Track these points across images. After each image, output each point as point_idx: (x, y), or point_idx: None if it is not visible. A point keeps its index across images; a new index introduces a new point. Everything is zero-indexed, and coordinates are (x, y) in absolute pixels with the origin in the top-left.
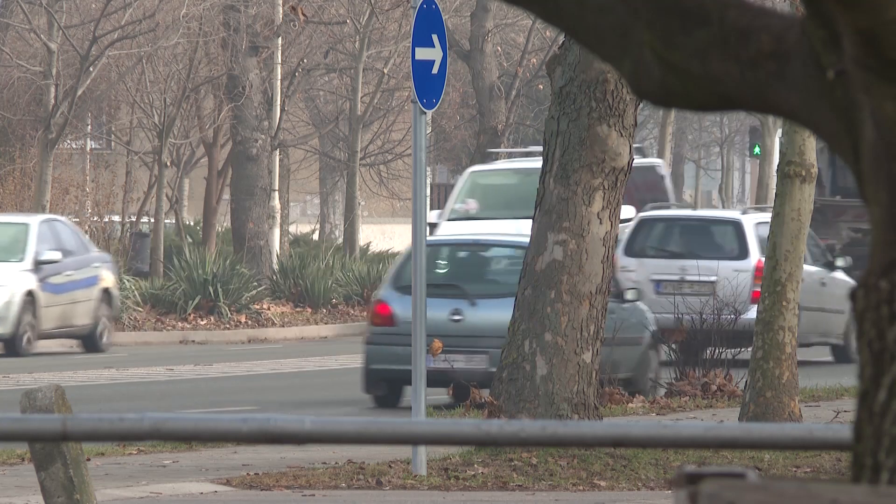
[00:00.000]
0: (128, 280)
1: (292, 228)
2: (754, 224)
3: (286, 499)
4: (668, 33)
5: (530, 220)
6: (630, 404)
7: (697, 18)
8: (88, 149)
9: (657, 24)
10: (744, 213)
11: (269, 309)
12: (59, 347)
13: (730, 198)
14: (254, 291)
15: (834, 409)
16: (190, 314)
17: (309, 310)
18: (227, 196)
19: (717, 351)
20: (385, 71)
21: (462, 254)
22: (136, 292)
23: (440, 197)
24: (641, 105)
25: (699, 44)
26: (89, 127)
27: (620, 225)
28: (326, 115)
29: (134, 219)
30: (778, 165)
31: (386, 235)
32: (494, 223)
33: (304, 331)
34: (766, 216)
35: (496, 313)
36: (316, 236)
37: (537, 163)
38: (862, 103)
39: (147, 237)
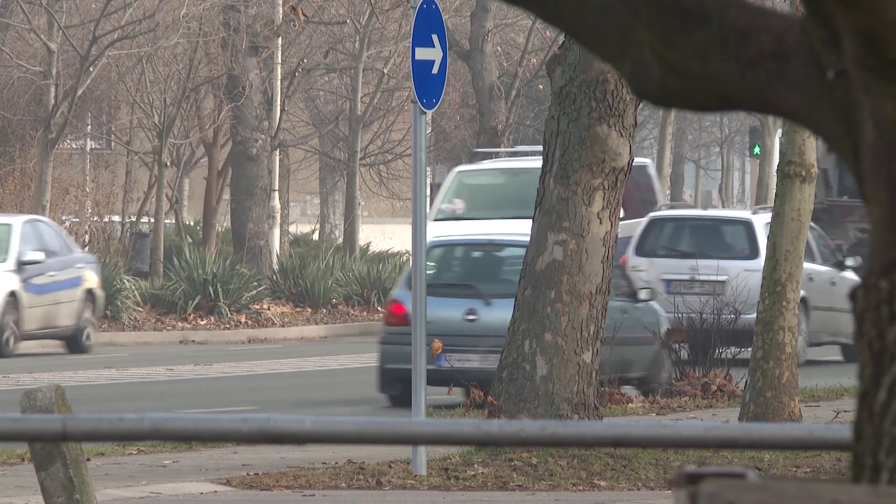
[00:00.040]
0: (128, 280)
1: (292, 228)
2: (765, 224)
3: (286, 499)
4: (668, 33)
5: (517, 220)
6: (630, 404)
7: (697, 18)
8: (88, 149)
9: (657, 24)
10: (754, 212)
11: (269, 309)
12: (42, 348)
13: (730, 198)
14: (254, 291)
15: (834, 409)
16: (190, 314)
17: (309, 310)
18: (227, 196)
19: (724, 350)
20: (385, 71)
21: (476, 254)
22: (136, 292)
23: None
24: (641, 105)
25: (699, 44)
26: (89, 127)
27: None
28: (326, 115)
29: (134, 219)
30: (778, 165)
31: (386, 235)
32: (481, 223)
33: (304, 331)
34: None
35: (511, 313)
36: (316, 236)
37: (524, 163)
38: (862, 103)
39: (147, 237)
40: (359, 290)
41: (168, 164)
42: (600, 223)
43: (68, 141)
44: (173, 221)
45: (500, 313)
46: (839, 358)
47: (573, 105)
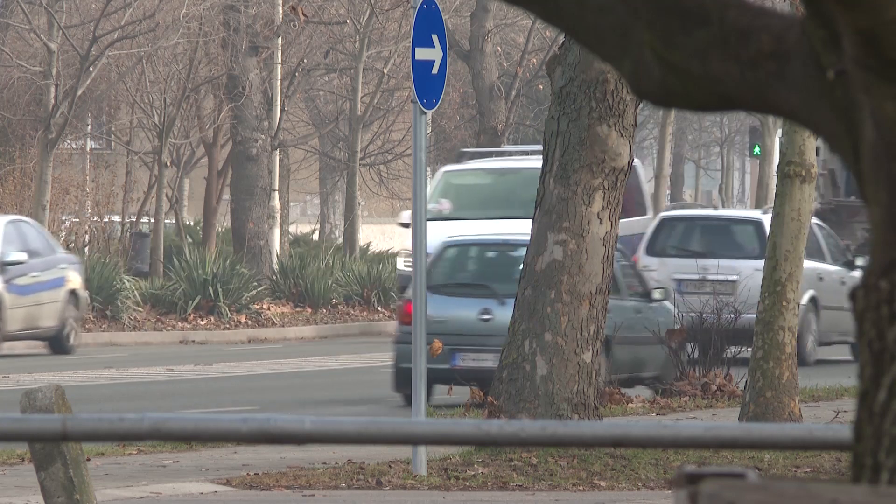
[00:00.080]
0: (128, 280)
1: (292, 228)
2: None
3: (286, 499)
4: (668, 33)
5: (504, 220)
6: (630, 404)
7: (697, 18)
8: (88, 149)
9: (657, 24)
10: (765, 212)
11: (269, 309)
12: (25, 349)
13: (730, 198)
14: (254, 291)
15: (834, 409)
16: (190, 314)
17: (309, 310)
18: (227, 196)
19: (730, 350)
20: (385, 71)
21: (491, 254)
22: (136, 292)
23: None
24: (641, 105)
25: (699, 44)
26: (89, 127)
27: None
28: (326, 115)
29: (134, 219)
30: (778, 165)
31: (386, 235)
32: (467, 223)
33: (304, 331)
34: None
35: None
36: (316, 236)
37: (511, 163)
38: (862, 103)
39: (147, 237)
40: (359, 290)
41: (168, 164)
42: (600, 223)
43: (68, 141)
44: (173, 221)
45: None
46: (849, 357)
47: (573, 105)
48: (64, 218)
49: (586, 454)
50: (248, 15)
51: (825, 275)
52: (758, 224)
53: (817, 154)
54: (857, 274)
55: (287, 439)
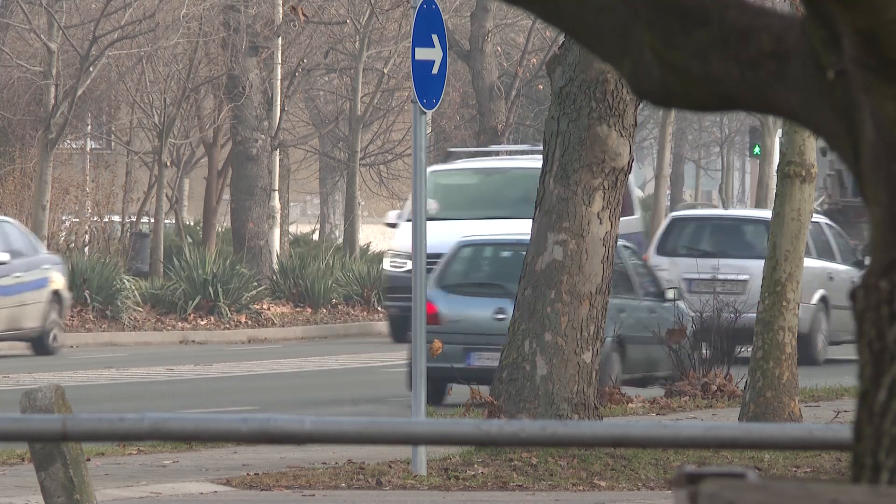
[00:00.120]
0: (128, 280)
1: (292, 228)
2: None
3: (286, 499)
4: (668, 33)
5: (490, 221)
6: (630, 404)
7: (697, 18)
8: (88, 149)
9: (657, 24)
10: None
11: (269, 309)
12: (8, 350)
13: (730, 198)
14: (254, 291)
15: (834, 409)
16: (190, 314)
17: (309, 310)
18: (227, 196)
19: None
20: (385, 71)
21: (505, 253)
22: (136, 292)
23: None
24: (641, 105)
25: (699, 44)
26: (89, 127)
27: None
28: (326, 115)
29: (134, 219)
30: (778, 165)
31: (386, 235)
32: (454, 223)
33: (304, 331)
34: None
35: None
36: (316, 236)
37: (497, 162)
38: (862, 103)
39: (147, 237)
40: (359, 290)
41: (168, 164)
42: (600, 223)
43: (68, 141)
44: (173, 221)
45: None
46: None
47: (573, 105)
48: (64, 218)
49: (586, 454)
50: (248, 15)
51: (835, 274)
52: (768, 224)
53: (825, 155)
54: None
55: (287, 439)
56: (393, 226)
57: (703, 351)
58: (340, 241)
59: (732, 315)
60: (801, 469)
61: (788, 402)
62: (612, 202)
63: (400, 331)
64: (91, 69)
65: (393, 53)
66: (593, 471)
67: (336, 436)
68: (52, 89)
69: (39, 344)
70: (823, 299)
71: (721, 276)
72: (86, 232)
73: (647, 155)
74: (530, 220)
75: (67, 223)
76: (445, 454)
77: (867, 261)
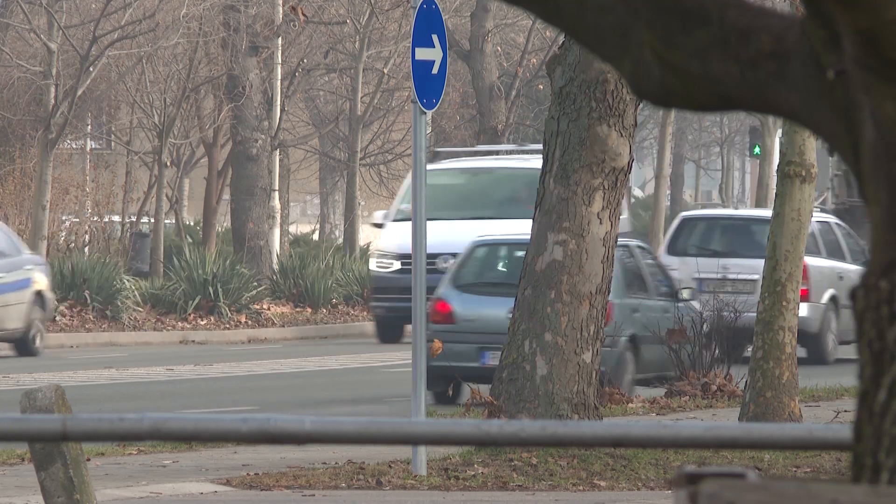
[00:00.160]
0: (128, 280)
1: (292, 228)
2: None
3: (286, 499)
4: (668, 33)
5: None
6: (630, 404)
7: (697, 18)
8: (88, 149)
9: (657, 24)
10: None
11: (269, 309)
12: None
13: (730, 198)
14: (254, 291)
15: (834, 409)
16: (190, 314)
17: (309, 310)
18: (227, 196)
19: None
20: (385, 71)
21: (520, 253)
22: (136, 292)
23: None
24: (641, 105)
25: (699, 44)
26: (89, 127)
27: None
28: (326, 115)
29: (134, 219)
30: (778, 165)
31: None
32: (441, 223)
33: (304, 331)
34: None
35: None
36: (316, 236)
37: (484, 163)
38: (862, 103)
39: (147, 237)
40: (359, 290)
41: (168, 164)
42: (600, 223)
43: (68, 141)
44: (173, 221)
45: None
46: None
47: (573, 105)
48: (64, 218)
49: (586, 454)
50: (248, 15)
51: (845, 274)
52: None
53: (832, 155)
54: None
55: (287, 439)
56: (379, 226)
57: (714, 350)
58: (340, 241)
59: (732, 315)
60: (801, 469)
61: (788, 402)
62: (613, 202)
63: (386, 331)
64: (91, 69)
65: (393, 53)
66: (593, 471)
67: (336, 436)
68: (52, 89)
69: (22, 345)
70: (833, 299)
71: (731, 276)
72: (86, 232)
73: (647, 155)
74: (516, 220)
75: (67, 223)
76: (445, 454)
77: None
